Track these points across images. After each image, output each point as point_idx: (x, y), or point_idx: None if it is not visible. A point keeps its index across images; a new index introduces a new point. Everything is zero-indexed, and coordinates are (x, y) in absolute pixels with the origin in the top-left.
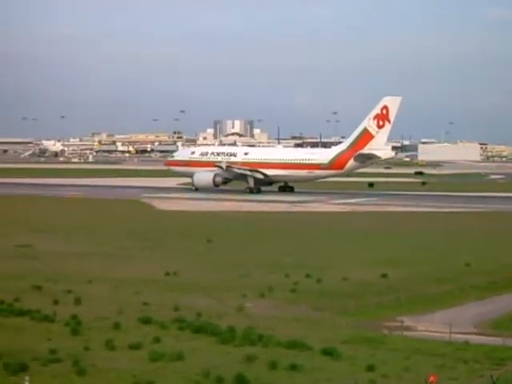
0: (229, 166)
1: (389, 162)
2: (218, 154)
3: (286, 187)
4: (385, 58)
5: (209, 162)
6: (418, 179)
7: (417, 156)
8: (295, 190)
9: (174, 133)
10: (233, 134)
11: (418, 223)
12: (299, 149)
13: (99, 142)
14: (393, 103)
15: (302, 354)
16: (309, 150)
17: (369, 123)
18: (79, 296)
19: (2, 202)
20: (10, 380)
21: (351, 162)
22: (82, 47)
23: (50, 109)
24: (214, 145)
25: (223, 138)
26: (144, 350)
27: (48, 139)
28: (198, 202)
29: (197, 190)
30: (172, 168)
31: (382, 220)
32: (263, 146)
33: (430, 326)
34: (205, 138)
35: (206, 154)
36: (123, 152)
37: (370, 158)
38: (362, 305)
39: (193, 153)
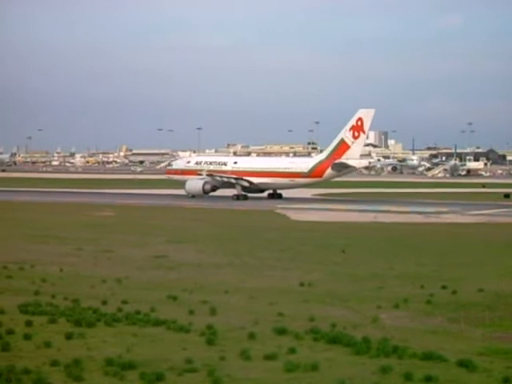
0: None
1: None
2: (211, 163)
3: (275, 194)
4: None
5: (202, 170)
6: None
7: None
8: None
9: (309, 144)
10: (367, 144)
11: None
12: (283, 158)
13: (234, 153)
14: (367, 115)
15: (438, 365)
16: (291, 159)
17: (345, 134)
18: (215, 306)
19: (142, 212)
20: None
21: (329, 171)
22: (218, 57)
23: (187, 120)
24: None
25: None
26: (279, 361)
27: (184, 150)
28: (333, 213)
29: (193, 197)
30: (170, 176)
31: None
32: (252, 156)
33: None
34: None
35: (200, 163)
36: None
37: (346, 167)
38: (498, 316)
39: (188, 162)
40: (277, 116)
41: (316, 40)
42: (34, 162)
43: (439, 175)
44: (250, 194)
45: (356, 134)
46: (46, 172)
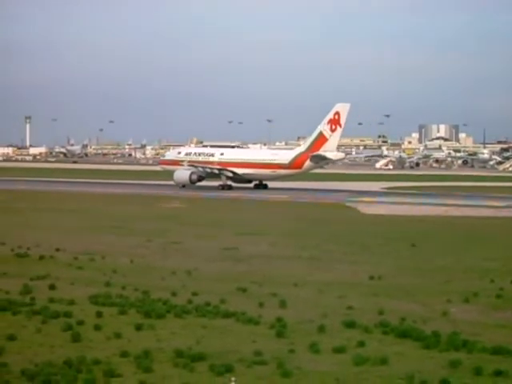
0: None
1: None
2: (200, 154)
3: (260, 185)
4: None
5: (195, 161)
6: None
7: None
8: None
9: (379, 137)
10: (438, 138)
11: None
12: (265, 150)
13: None
14: (343, 109)
15: (507, 360)
16: (273, 151)
17: (323, 127)
18: (284, 299)
19: (211, 203)
20: (216, 381)
21: (308, 163)
22: (290, 52)
23: (258, 113)
24: (418, 149)
25: (428, 143)
26: (348, 354)
27: (254, 143)
28: (403, 207)
29: (183, 186)
30: (163, 167)
31: None
32: (238, 148)
33: None
34: (409, 142)
35: (190, 154)
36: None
37: (323, 159)
38: None
39: (179, 153)
40: None
41: (387, 36)
42: (105, 154)
43: (510, 169)
44: (236, 184)
45: (333, 127)
46: (117, 164)
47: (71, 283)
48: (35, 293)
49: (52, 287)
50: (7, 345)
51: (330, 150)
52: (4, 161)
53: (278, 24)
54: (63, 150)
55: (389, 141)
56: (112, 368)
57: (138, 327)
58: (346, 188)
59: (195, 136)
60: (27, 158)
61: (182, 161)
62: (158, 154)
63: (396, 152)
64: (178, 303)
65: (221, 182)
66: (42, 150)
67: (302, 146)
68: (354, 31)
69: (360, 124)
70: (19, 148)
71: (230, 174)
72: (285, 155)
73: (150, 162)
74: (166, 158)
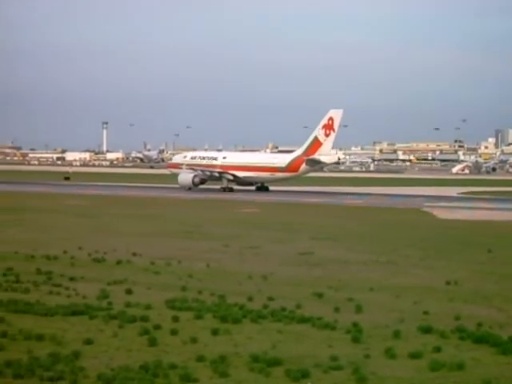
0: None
1: None
2: (204, 158)
3: (262, 187)
4: None
5: (195, 164)
6: None
7: None
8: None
9: (455, 142)
10: (509, 144)
11: None
12: (264, 153)
13: (380, 150)
14: (336, 115)
15: None
16: (271, 154)
17: (318, 132)
18: (360, 304)
19: (285, 208)
20: None
21: (303, 166)
22: (362, 54)
23: None
24: (495, 154)
25: (504, 148)
26: (424, 360)
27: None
28: (480, 212)
29: (190, 189)
30: (171, 170)
31: None
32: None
33: None
34: (486, 147)
35: (195, 157)
36: (404, 161)
37: (318, 163)
38: None
39: (185, 157)
40: (423, 114)
41: (461, 38)
42: None
43: None
44: (237, 187)
45: (327, 132)
46: None
47: (148, 288)
48: (112, 297)
49: (129, 292)
50: (84, 349)
51: (324, 154)
52: (81, 166)
53: (355, 24)
54: (140, 155)
55: (465, 145)
56: (188, 372)
57: (215, 332)
58: (421, 193)
59: (271, 141)
60: (104, 163)
61: (181, 164)
62: None
63: (472, 157)
64: (254, 308)
65: (223, 185)
66: (119, 155)
67: (299, 150)
68: (439, 32)
69: (437, 129)
70: (96, 153)
71: (231, 177)
72: (282, 159)
73: None
74: (173, 161)
